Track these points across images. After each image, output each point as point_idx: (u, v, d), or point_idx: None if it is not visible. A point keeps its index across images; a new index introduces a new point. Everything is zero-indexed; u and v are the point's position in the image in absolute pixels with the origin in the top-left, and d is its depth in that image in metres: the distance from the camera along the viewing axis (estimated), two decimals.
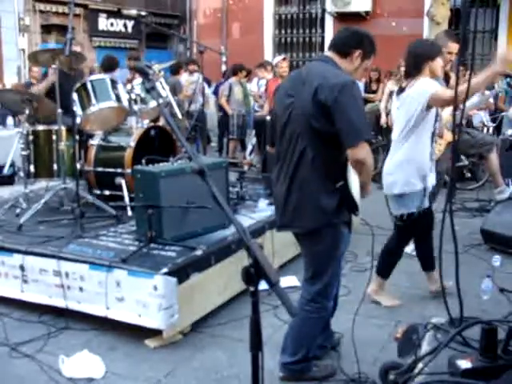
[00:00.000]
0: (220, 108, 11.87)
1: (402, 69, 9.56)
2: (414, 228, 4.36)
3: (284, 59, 9.24)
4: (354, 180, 3.11)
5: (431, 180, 4.27)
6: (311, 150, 3.05)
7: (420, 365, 2.64)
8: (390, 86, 9.67)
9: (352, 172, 3.09)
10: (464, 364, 2.48)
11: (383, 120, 9.34)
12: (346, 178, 3.10)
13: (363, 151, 2.93)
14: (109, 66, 8.54)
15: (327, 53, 3.25)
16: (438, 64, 4.24)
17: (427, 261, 4.55)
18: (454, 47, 5.22)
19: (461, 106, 3.37)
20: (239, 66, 11.04)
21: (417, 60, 4.21)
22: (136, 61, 9.34)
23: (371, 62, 3.27)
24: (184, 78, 10.65)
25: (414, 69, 4.22)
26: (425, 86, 4.07)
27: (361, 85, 11.26)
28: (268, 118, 7.23)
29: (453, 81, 5.06)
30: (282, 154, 3.21)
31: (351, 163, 3.01)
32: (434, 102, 4.07)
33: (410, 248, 5.61)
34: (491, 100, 8.75)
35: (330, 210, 3.07)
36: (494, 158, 6.65)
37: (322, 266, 3.24)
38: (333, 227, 3.14)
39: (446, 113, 5.49)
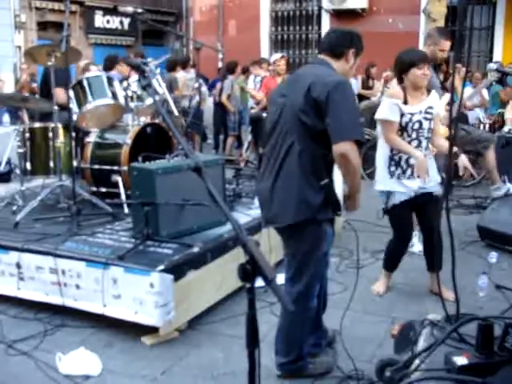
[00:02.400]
0: (216, 105, 11.86)
1: None
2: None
3: (282, 57, 9.26)
4: (338, 181, 3.13)
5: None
6: (299, 145, 3.06)
7: (416, 361, 2.65)
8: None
9: (337, 173, 3.11)
10: (460, 360, 2.48)
11: None
12: (331, 177, 3.13)
13: (347, 146, 2.94)
14: (110, 64, 8.59)
15: (321, 56, 3.29)
16: (413, 76, 4.21)
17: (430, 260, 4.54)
18: (446, 45, 5.24)
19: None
20: (233, 63, 11.05)
21: (395, 72, 4.42)
22: (142, 58, 9.38)
23: (360, 59, 3.33)
24: (180, 75, 10.65)
25: (397, 79, 4.42)
26: (381, 106, 4.36)
27: (354, 82, 11.26)
28: (264, 114, 7.21)
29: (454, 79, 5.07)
30: (270, 151, 3.23)
31: (335, 158, 3.02)
32: (381, 127, 4.34)
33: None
34: (487, 97, 8.77)
35: (315, 205, 3.07)
36: (490, 155, 6.63)
37: (303, 264, 3.23)
38: (316, 224, 3.14)
39: (442, 109, 5.50)
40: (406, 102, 4.25)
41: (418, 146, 4.29)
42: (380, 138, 4.42)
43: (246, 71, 11.43)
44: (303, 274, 3.23)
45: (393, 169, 4.32)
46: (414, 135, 4.27)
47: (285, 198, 3.12)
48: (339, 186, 3.16)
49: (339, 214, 3.22)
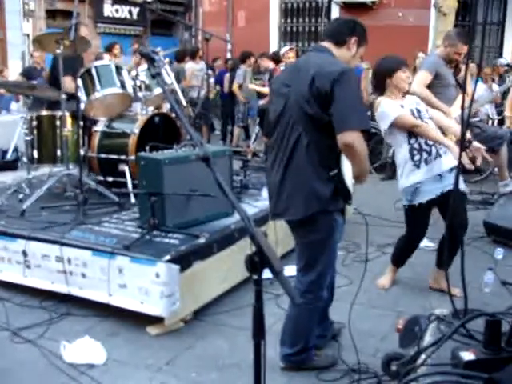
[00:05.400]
0: (224, 95, 11.82)
1: (418, 61, 9.62)
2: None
3: (291, 49, 9.22)
4: (347, 169, 3.11)
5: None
6: (306, 137, 3.04)
7: (423, 356, 2.63)
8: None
9: (346, 161, 3.09)
10: (467, 356, 2.47)
11: None
12: (340, 166, 3.11)
13: (352, 136, 2.90)
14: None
15: (323, 43, 3.25)
16: (398, 78, 4.27)
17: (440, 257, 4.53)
18: (464, 49, 5.19)
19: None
20: (247, 53, 11.00)
21: (377, 78, 4.35)
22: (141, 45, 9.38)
23: (364, 50, 3.30)
24: (189, 65, 10.63)
25: (377, 87, 4.39)
26: (386, 109, 4.23)
27: None
28: None
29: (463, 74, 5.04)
30: (277, 143, 3.20)
31: (341, 148, 2.99)
32: (400, 125, 4.21)
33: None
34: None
35: (325, 196, 3.06)
36: (504, 151, 6.64)
37: (315, 255, 3.23)
38: (328, 215, 3.13)
39: (456, 107, 5.48)
40: None
41: None
42: (396, 146, 4.38)
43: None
44: (316, 263, 3.22)
45: (417, 157, 4.24)
46: (419, 121, 4.28)
47: (295, 192, 3.11)
48: (349, 174, 3.14)
49: (350, 202, 3.22)
